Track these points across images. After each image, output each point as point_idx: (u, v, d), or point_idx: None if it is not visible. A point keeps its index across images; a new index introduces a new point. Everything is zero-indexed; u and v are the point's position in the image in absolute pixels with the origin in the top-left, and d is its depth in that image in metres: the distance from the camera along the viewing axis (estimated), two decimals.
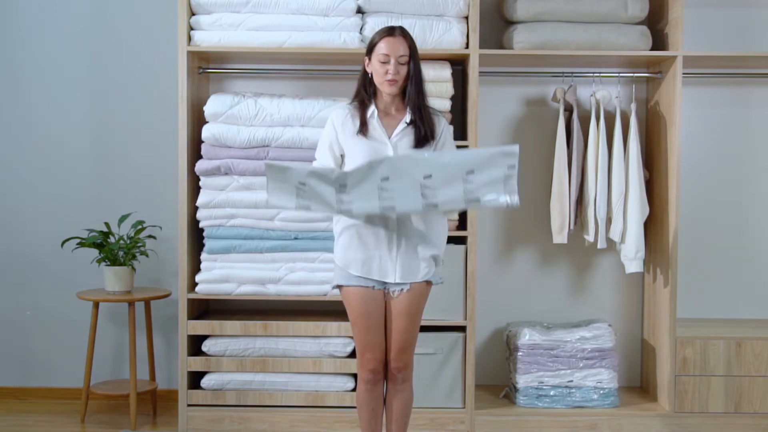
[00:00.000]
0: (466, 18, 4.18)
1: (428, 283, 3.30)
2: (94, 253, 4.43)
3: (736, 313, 4.65)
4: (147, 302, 4.44)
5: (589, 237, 4.34)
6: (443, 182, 2.98)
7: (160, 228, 4.52)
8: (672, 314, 4.21)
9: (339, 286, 3.30)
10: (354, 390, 4.11)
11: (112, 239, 4.37)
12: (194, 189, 4.22)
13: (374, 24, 4.12)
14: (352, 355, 4.14)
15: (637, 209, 4.29)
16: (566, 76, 4.42)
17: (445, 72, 4.19)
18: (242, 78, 4.56)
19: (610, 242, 4.40)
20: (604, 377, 4.24)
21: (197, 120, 4.23)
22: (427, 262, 3.25)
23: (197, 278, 4.16)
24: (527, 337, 4.25)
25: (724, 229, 4.64)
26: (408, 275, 3.23)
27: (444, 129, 3.32)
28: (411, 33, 3.30)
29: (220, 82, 4.57)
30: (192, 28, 4.16)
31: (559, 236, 4.34)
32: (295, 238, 4.12)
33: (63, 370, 4.67)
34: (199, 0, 4.12)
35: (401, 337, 3.28)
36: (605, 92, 4.37)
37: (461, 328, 4.20)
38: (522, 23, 4.25)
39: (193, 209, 4.21)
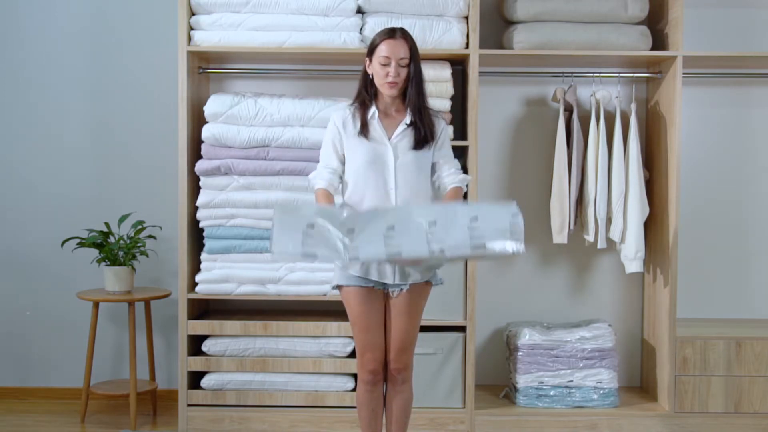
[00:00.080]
0: (466, 18, 4.18)
1: (428, 283, 3.30)
2: (94, 253, 4.43)
3: (736, 313, 4.65)
4: (147, 302, 4.44)
5: (589, 237, 4.34)
6: (448, 229, 2.98)
7: (160, 228, 4.52)
8: (672, 314, 4.21)
9: (339, 286, 3.30)
10: (354, 390, 4.11)
11: (112, 239, 4.37)
12: (194, 189, 4.22)
13: (374, 24, 4.12)
14: (352, 355, 4.13)
15: (637, 209, 4.29)
16: (566, 76, 4.42)
17: (445, 72, 4.19)
18: (242, 78, 4.56)
19: (610, 242, 4.40)
20: (604, 377, 4.24)
21: (197, 120, 4.23)
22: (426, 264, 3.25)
23: (197, 278, 4.16)
24: (527, 337, 4.25)
25: (724, 229, 4.64)
26: (406, 277, 3.23)
27: (442, 130, 3.33)
28: (411, 33, 3.30)
29: (220, 82, 4.58)
30: (192, 28, 4.16)
31: (559, 236, 4.34)
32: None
33: (63, 370, 4.68)
34: (199, 0, 4.12)
35: (401, 337, 3.28)
36: (605, 92, 4.37)
37: (461, 328, 4.20)
38: (522, 23, 4.25)
39: (193, 209, 4.22)
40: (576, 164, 4.29)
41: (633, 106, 4.37)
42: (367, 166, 3.24)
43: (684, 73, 4.29)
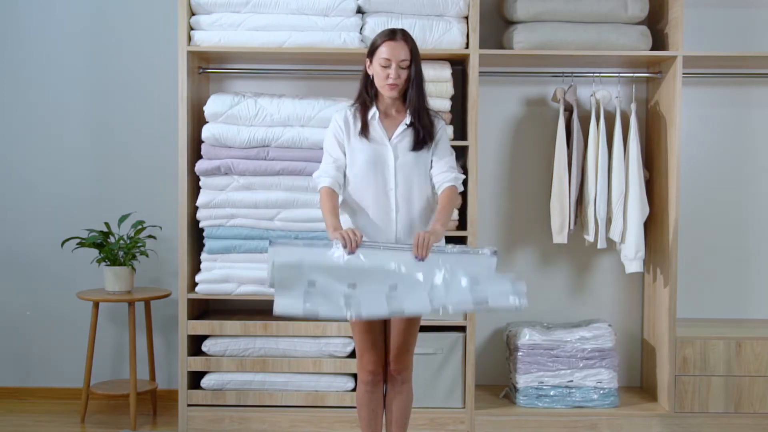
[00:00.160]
0: (466, 18, 4.18)
1: None
2: (94, 253, 4.43)
3: (736, 313, 4.65)
4: (147, 302, 4.44)
5: (589, 237, 4.34)
6: (450, 288, 3.01)
7: (160, 228, 4.52)
8: (672, 314, 4.21)
9: None
10: (354, 390, 4.11)
11: (112, 239, 4.37)
12: (194, 189, 4.22)
13: (374, 24, 4.12)
14: (352, 355, 4.13)
15: (637, 209, 4.29)
16: (566, 76, 4.42)
17: (445, 72, 4.19)
18: (242, 78, 4.56)
19: (610, 242, 4.40)
20: (604, 377, 4.24)
21: (197, 120, 4.23)
22: None
23: (197, 278, 4.16)
24: (527, 337, 4.25)
25: (724, 229, 4.64)
26: None
27: (440, 129, 3.33)
28: (411, 33, 3.30)
29: (220, 82, 4.57)
30: (192, 28, 4.16)
31: (559, 236, 4.34)
32: (296, 238, 4.11)
33: (63, 370, 4.68)
34: (199, 0, 4.12)
35: (400, 338, 3.28)
36: (605, 92, 4.37)
37: (461, 328, 4.20)
38: (522, 23, 4.25)
39: (193, 209, 4.21)
40: (576, 164, 4.29)
41: (633, 106, 4.37)
42: (367, 166, 3.24)
43: (684, 73, 4.29)
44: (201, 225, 4.19)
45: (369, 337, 3.27)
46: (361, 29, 4.16)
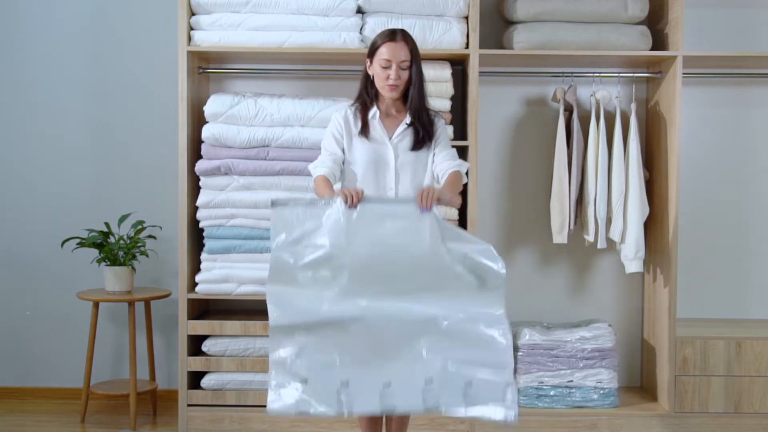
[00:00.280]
0: (466, 18, 4.18)
1: None
2: (94, 253, 4.43)
3: (736, 313, 4.65)
4: (147, 302, 4.44)
5: (589, 237, 4.34)
6: (444, 387, 3.01)
7: (160, 228, 4.52)
8: (672, 314, 4.21)
9: None
10: None
11: (112, 239, 4.37)
12: (194, 189, 4.22)
13: (374, 24, 4.12)
14: None
15: (637, 209, 4.29)
16: (566, 76, 4.42)
17: (445, 72, 4.19)
18: (242, 78, 4.56)
19: (610, 242, 4.40)
20: (604, 377, 4.24)
21: (197, 120, 4.23)
22: None
23: (197, 278, 4.16)
24: (527, 337, 4.25)
25: (724, 229, 4.64)
26: None
27: (440, 128, 3.34)
28: (411, 33, 3.30)
29: (220, 82, 4.57)
30: (192, 28, 4.16)
31: (559, 236, 4.34)
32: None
33: (63, 370, 4.68)
34: (199, 0, 4.12)
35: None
36: (605, 92, 4.37)
37: None
38: (522, 23, 4.25)
39: (193, 209, 4.22)
40: (576, 164, 4.29)
41: (633, 106, 4.37)
42: (367, 165, 3.24)
43: (684, 73, 4.29)
44: (201, 225, 4.19)
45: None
46: (361, 29, 4.16)
